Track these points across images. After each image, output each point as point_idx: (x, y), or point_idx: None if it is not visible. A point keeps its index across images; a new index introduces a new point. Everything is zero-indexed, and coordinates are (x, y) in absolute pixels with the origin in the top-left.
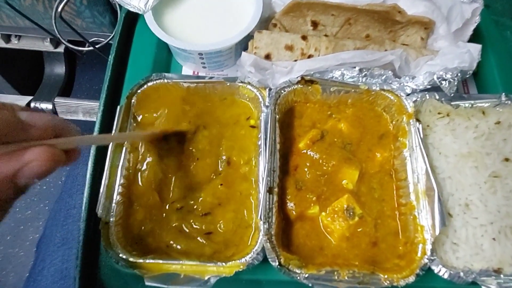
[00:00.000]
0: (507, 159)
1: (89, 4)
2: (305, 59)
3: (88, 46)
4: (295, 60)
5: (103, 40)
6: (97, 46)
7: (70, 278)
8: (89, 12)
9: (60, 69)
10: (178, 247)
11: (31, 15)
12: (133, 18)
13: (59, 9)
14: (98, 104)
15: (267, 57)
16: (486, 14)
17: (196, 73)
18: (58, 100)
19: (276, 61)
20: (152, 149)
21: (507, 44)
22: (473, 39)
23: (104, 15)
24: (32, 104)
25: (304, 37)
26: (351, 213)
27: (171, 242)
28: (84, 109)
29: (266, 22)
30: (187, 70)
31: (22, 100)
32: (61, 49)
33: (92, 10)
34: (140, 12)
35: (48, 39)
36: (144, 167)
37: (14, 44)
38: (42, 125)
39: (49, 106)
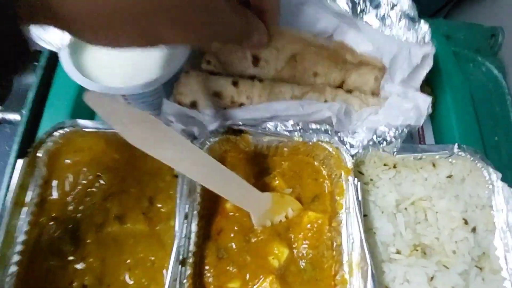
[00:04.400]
0: None
1: None
2: (235, 107)
3: None
4: (224, 109)
5: None
6: None
7: None
8: None
9: (30, 78)
10: None
11: None
12: None
13: None
14: None
15: (193, 104)
16: (446, 46)
17: None
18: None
19: (203, 109)
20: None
21: (468, 79)
22: (430, 76)
23: None
24: (1, 115)
25: (235, 83)
26: None
27: None
28: None
29: (200, 56)
30: None
31: None
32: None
33: None
34: (53, 49)
35: None
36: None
37: None
38: None
39: (17, 117)
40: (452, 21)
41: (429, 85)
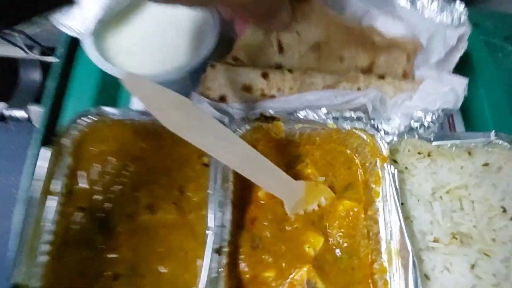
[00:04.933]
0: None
1: None
2: (265, 100)
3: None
4: (254, 102)
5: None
6: None
7: None
8: None
9: (35, 75)
10: None
11: None
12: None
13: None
14: None
15: (222, 99)
16: (475, 35)
17: None
18: (32, 107)
19: (232, 103)
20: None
21: (499, 69)
22: (460, 65)
23: None
24: (7, 112)
25: (265, 75)
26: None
27: None
28: None
29: (227, 47)
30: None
31: None
32: (36, 55)
33: None
34: (78, 36)
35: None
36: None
37: None
38: None
39: (23, 114)
40: (479, 9)
41: (460, 72)
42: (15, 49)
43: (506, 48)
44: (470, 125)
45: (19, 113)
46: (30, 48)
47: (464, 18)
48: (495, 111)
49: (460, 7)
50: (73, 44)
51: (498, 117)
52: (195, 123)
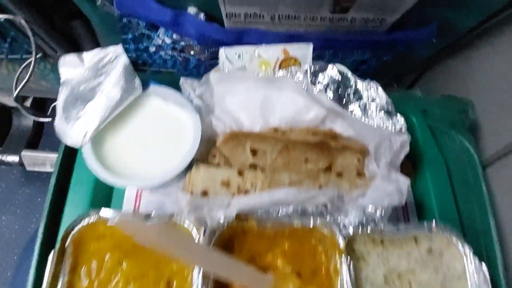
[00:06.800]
0: None
1: (53, 68)
2: (241, 194)
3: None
4: (233, 194)
5: None
6: None
7: None
8: (53, 75)
9: (28, 122)
10: None
11: None
12: None
13: (15, 94)
14: None
15: (204, 193)
16: (422, 121)
17: (139, 194)
18: (25, 153)
19: (213, 196)
20: None
21: (445, 151)
22: (410, 154)
23: None
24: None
25: (240, 172)
26: None
27: None
28: (51, 161)
29: (208, 143)
30: (130, 192)
31: None
32: (28, 103)
33: (56, 73)
34: (77, 147)
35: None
36: None
37: None
38: None
39: (15, 158)
40: (428, 96)
41: (409, 159)
42: (7, 97)
43: (451, 133)
44: (421, 211)
45: (11, 158)
46: (23, 99)
47: (404, 129)
48: (439, 200)
49: (400, 119)
50: (71, 152)
51: (441, 205)
52: (175, 243)
